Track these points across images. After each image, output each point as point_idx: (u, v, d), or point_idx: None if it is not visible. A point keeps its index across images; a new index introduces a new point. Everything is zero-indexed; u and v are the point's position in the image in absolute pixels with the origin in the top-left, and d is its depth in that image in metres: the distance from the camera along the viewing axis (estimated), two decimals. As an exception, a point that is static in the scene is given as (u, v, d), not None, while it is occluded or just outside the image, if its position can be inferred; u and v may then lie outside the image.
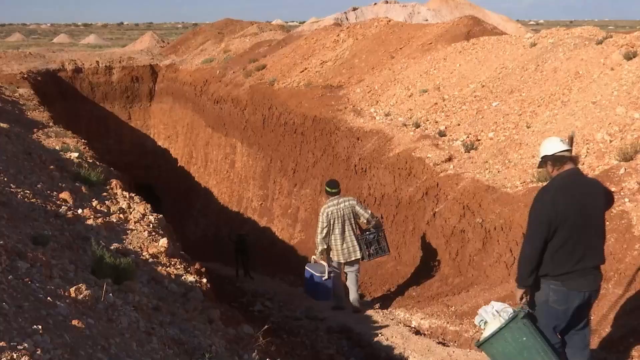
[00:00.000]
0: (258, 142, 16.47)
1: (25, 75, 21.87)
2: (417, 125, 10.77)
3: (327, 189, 7.68)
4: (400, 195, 9.75)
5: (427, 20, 28.14)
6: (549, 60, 10.41)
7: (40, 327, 2.61)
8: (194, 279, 5.36)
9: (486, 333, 4.06)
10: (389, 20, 19.21)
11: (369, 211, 7.75)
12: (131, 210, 6.92)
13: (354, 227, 7.58)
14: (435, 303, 7.42)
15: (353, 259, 7.61)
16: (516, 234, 6.91)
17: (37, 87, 20.93)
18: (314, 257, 7.76)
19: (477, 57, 12.58)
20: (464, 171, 8.65)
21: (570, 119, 8.20)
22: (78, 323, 2.89)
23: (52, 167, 7.74)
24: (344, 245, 7.52)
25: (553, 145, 4.06)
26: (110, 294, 3.63)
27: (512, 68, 11.08)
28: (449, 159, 9.16)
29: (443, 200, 8.60)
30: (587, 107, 8.21)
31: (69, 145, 10.05)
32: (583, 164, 7.17)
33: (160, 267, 5.31)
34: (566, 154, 4.04)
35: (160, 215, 7.17)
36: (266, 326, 4.66)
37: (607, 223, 5.89)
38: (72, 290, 3.34)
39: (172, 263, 5.63)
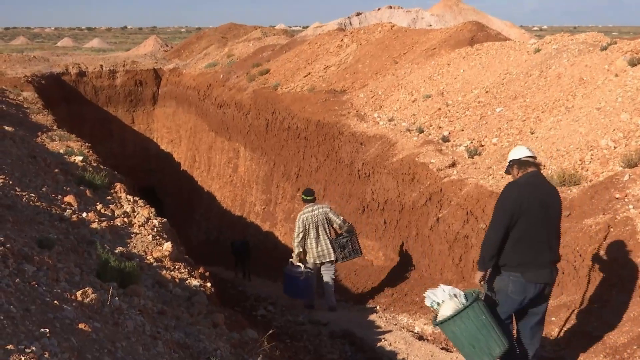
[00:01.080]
0: (261, 146, 16.49)
1: (30, 79, 21.93)
2: (421, 131, 10.77)
3: (303, 196, 8.43)
4: (404, 201, 9.75)
5: (430, 25, 28.22)
6: (553, 66, 10.42)
7: (47, 330, 2.62)
8: (198, 283, 5.37)
9: (447, 312, 4.31)
10: (393, 26, 19.23)
11: (341, 217, 8.49)
12: (135, 214, 6.94)
13: (328, 232, 8.29)
14: (439, 308, 7.40)
15: (327, 260, 8.28)
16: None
17: (41, 90, 20.97)
18: (291, 260, 8.36)
19: (481, 62, 12.59)
20: (467, 177, 8.64)
21: (574, 125, 8.20)
22: (85, 327, 2.90)
23: (56, 170, 7.76)
24: (319, 248, 8.22)
25: (520, 152, 4.61)
26: (116, 298, 3.64)
27: (516, 74, 11.08)
28: (453, 165, 9.16)
29: (446, 205, 8.59)
30: (591, 114, 8.21)
31: (73, 149, 10.07)
32: (587, 170, 7.18)
33: (164, 271, 5.32)
34: (531, 159, 4.55)
35: (164, 219, 7.19)
36: (271, 330, 4.67)
37: (612, 229, 5.93)
38: (78, 293, 3.35)
39: (177, 267, 5.65)
